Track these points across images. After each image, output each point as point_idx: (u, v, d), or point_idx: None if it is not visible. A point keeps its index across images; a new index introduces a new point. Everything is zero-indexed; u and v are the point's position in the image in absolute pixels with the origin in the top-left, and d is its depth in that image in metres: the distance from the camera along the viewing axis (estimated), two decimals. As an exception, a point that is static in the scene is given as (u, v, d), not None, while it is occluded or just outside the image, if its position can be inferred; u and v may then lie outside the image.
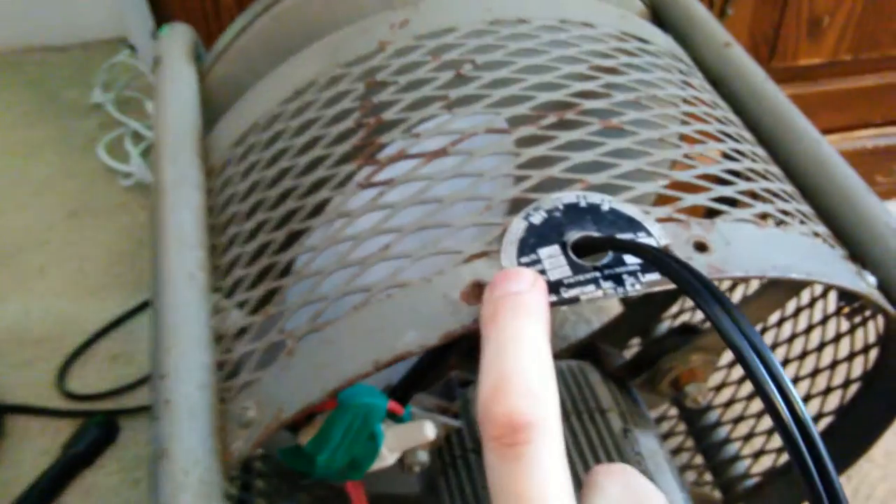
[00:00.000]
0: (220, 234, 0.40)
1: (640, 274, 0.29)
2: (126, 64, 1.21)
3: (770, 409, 0.25)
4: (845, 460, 0.49)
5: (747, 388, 0.60)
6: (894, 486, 0.68)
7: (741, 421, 0.60)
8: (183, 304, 0.36)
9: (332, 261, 0.34)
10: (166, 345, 0.34)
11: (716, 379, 0.63)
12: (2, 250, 0.95)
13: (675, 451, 0.63)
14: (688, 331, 0.42)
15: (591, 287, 0.29)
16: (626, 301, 0.67)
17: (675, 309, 0.66)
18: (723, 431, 0.62)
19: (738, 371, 0.61)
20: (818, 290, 0.52)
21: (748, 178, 0.36)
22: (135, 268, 0.92)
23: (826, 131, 0.84)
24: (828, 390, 0.51)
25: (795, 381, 0.55)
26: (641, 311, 0.63)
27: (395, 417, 0.36)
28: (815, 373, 0.52)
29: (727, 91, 0.47)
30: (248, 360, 0.34)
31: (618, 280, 0.29)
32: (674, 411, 0.65)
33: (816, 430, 0.25)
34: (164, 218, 0.39)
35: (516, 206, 0.32)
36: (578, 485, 0.39)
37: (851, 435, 0.49)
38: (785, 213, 0.35)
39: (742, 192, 0.35)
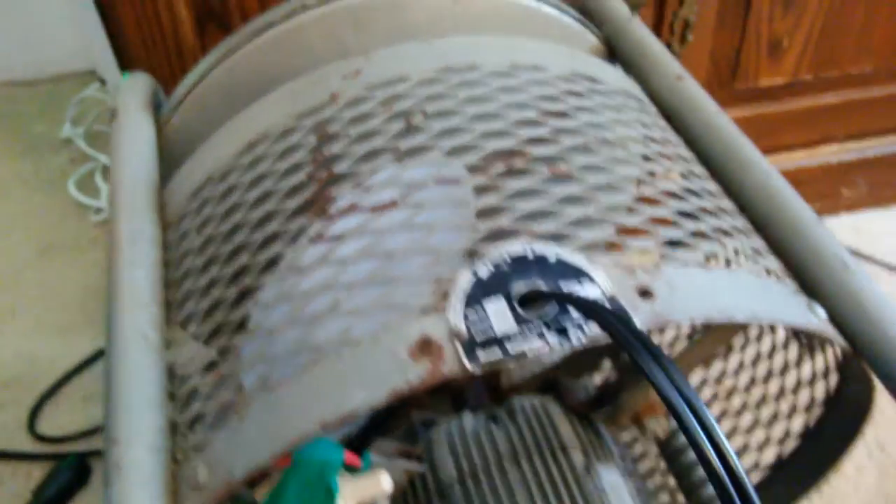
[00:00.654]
0: (177, 290, 0.40)
1: (584, 326, 0.29)
2: (96, 98, 1.20)
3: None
4: (813, 479, 0.50)
5: (716, 409, 0.60)
6: (866, 499, 0.68)
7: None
8: (135, 367, 0.35)
9: (283, 318, 0.34)
10: (118, 408, 0.34)
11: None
12: (-29, 292, 0.94)
13: (649, 474, 0.64)
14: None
15: (537, 340, 0.29)
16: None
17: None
18: (693, 453, 0.62)
19: (707, 391, 0.61)
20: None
21: (697, 218, 0.37)
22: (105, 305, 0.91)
23: (790, 148, 0.85)
24: (791, 412, 0.51)
25: (760, 403, 0.55)
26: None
27: (352, 470, 0.36)
28: (778, 396, 0.53)
29: (680, 124, 0.47)
30: (200, 421, 0.34)
31: (563, 333, 0.29)
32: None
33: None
34: (117, 277, 0.39)
35: (468, 255, 0.32)
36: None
37: (817, 456, 0.49)
38: (735, 251, 0.36)
39: (692, 234, 0.35)
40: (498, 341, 0.29)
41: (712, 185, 0.42)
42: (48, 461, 0.76)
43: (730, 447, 0.25)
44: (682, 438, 0.63)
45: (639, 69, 0.51)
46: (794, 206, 0.41)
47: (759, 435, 0.56)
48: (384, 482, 0.35)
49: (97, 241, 1.00)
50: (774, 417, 0.55)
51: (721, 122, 0.46)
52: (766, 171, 0.43)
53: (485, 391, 0.52)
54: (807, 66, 0.80)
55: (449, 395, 0.53)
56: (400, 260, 0.33)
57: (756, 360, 0.56)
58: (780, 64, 0.79)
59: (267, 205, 0.38)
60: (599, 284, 0.31)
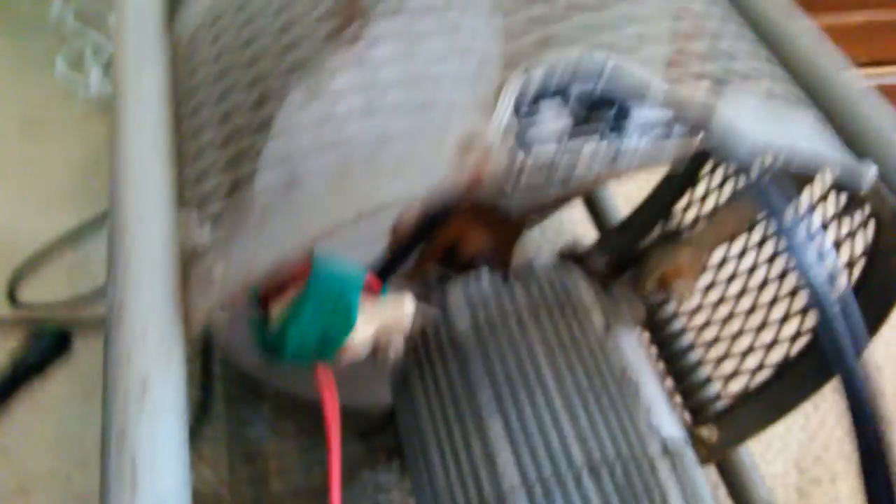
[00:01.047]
0: (188, 101, 0.37)
1: (646, 129, 0.27)
2: (88, -25, 1.15)
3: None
4: (822, 381, 0.50)
5: (723, 311, 0.59)
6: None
7: (714, 344, 0.59)
8: (144, 164, 0.33)
9: (311, 117, 0.31)
10: (126, 201, 0.31)
11: (691, 303, 0.62)
12: (-48, 159, 0.90)
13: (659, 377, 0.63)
14: (671, 235, 0.41)
15: (595, 139, 0.27)
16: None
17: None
18: (694, 356, 0.61)
19: (715, 293, 0.60)
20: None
21: (754, 59, 0.35)
22: (93, 181, 0.88)
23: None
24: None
25: (773, 302, 0.54)
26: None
27: (372, 294, 0.34)
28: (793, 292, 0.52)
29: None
30: (216, 221, 0.31)
31: (622, 133, 0.27)
32: (645, 335, 0.64)
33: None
34: (124, 81, 0.37)
35: (512, 65, 0.30)
36: (560, 383, 0.38)
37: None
38: (793, 94, 0.34)
39: (750, 68, 0.33)
40: (553, 137, 0.27)
41: (763, 48, 0.40)
42: (28, 328, 0.73)
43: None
44: (684, 340, 0.62)
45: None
46: (843, 73, 0.39)
47: (767, 334, 0.55)
48: (407, 304, 0.33)
49: (85, 119, 0.96)
50: (786, 317, 0.53)
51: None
52: (816, 38, 0.41)
53: (498, 260, 0.50)
54: (838, -20, 0.77)
55: (461, 264, 0.52)
56: (442, 61, 0.30)
57: (772, 258, 0.55)
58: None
59: (294, 8, 0.35)
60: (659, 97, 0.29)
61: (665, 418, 0.38)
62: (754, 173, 0.24)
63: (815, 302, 0.23)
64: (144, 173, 0.32)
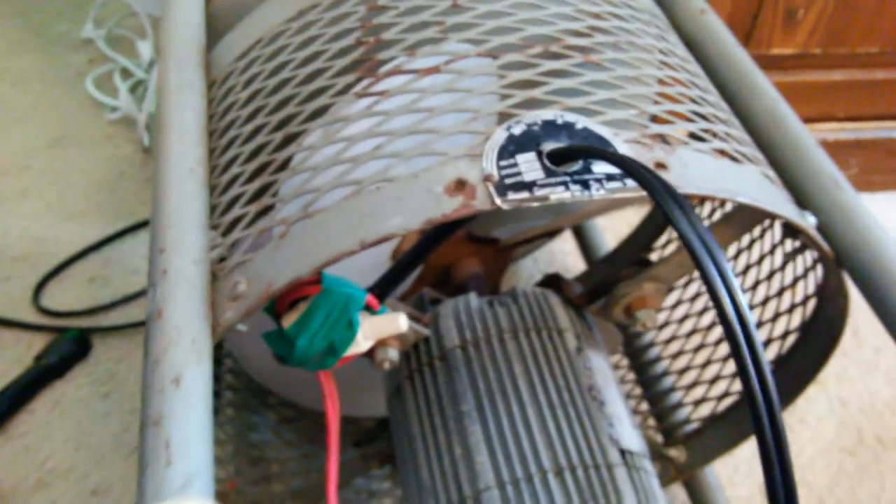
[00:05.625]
0: (220, 138, 0.43)
1: (604, 181, 0.33)
2: (119, 2, 1.21)
3: (714, 299, 0.28)
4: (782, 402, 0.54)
5: (694, 341, 0.64)
6: (823, 448, 0.73)
7: (686, 371, 0.64)
8: (183, 192, 0.38)
9: (326, 158, 0.36)
10: (165, 223, 0.37)
11: (665, 334, 0.67)
12: (-17, 171, 0.96)
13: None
14: (642, 263, 0.46)
15: (561, 188, 0.32)
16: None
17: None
18: (667, 381, 0.66)
19: (688, 325, 0.65)
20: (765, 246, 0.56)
21: (710, 120, 0.40)
22: (116, 197, 0.94)
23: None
24: (768, 342, 0.55)
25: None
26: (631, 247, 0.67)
27: (371, 311, 0.39)
28: (757, 325, 0.56)
29: (699, 53, 0.50)
30: (240, 245, 0.37)
31: (585, 185, 0.32)
32: (625, 362, 0.69)
33: (753, 320, 0.28)
34: (167, 116, 0.42)
35: (500, 121, 0.36)
36: (534, 396, 0.43)
37: (788, 380, 0.53)
38: (741, 154, 0.39)
39: (704, 130, 0.39)
40: (527, 185, 0.32)
41: (724, 105, 0.45)
42: (50, 333, 0.79)
43: (744, 300, 0.28)
44: (659, 367, 0.67)
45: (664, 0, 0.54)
46: (797, 130, 0.45)
47: (732, 363, 0.60)
48: (401, 321, 0.38)
49: (111, 138, 1.02)
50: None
51: (738, 53, 0.49)
52: (775, 98, 0.46)
53: (486, 285, 0.55)
54: (817, 40, 0.83)
55: (453, 288, 0.57)
56: (440, 116, 0.36)
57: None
58: (793, 35, 0.82)
59: (316, 63, 0.40)
60: (620, 153, 0.34)
61: (626, 432, 0.43)
62: (687, 221, 0.29)
63: (731, 346, 0.28)
64: (182, 200, 0.38)
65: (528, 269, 0.86)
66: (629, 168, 0.30)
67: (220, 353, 0.66)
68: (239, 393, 0.64)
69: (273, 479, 0.65)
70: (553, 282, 0.49)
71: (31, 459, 0.70)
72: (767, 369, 0.29)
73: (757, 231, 0.55)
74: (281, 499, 0.62)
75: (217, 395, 0.61)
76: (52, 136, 1.02)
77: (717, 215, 0.61)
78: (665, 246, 0.68)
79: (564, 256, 0.87)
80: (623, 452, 0.41)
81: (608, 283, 0.46)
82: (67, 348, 0.76)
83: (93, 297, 0.83)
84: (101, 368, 0.76)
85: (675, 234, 0.68)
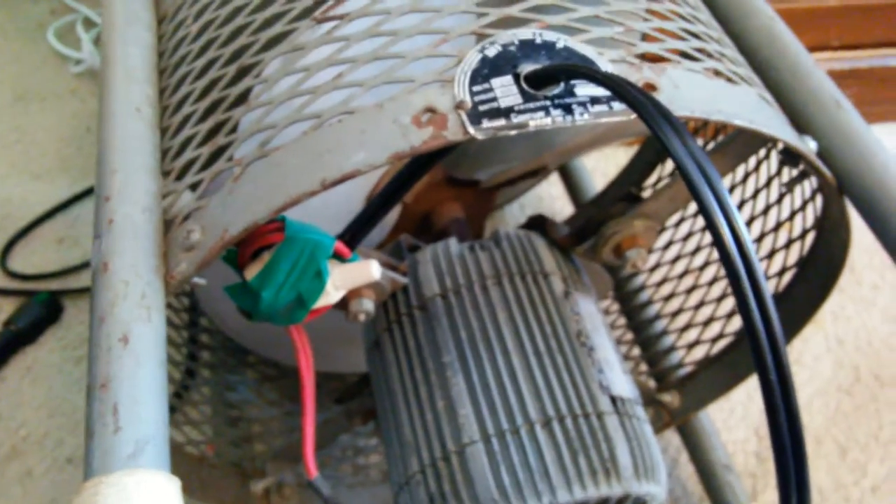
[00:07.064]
0: (171, 76, 0.39)
1: (589, 105, 0.30)
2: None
3: (711, 226, 0.26)
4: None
5: (687, 282, 0.61)
6: (820, 387, 0.71)
7: (679, 314, 0.62)
8: (129, 135, 0.35)
9: (283, 91, 0.33)
10: (111, 168, 0.33)
11: (657, 275, 0.64)
12: (-58, 131, 0.92)
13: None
14: (632, 199, 0.43)
15: (541, 114, 0.29)
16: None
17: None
18: (660, 325, 0.64)
19: (680, 266, 0.62)
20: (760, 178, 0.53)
21: (702, 39, 0.37)
22: (83, 153, 0.90)
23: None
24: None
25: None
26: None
27: (341, 259, 0.36)
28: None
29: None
30: (194, 189, 0.34)
31: (567, 109, 0.29)
32: (615, 307, 0.67)
33: (754, 248, 0.26)
34: (112, 52, 0.38)
35: (477, 37, 0.32)
36: (519, 344, 0.40)
37: (785, 319, 0.51)
38: (736, 74, 0.36)
39: (696, 49, 0.35)
40: (503, 112, 0.29)
41: (715, 23, 0.42)
42: (19, 297, 0.76)
43: (744, 227, 0.25)
44: (651, 310, 0.64)
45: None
46: (795, 49, 0.42)
47: (727, 304, 0.58)
48: (373, 269, 0.35)
49: (76, 91, 0.98)
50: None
51: (731, -30, 0.46)
52: (771, 17, 0.43)
53: (469, 231, 0.52)
54: (812, -37, 0.79)
55: (433, 235, 0.54)
56: (406, 39, 0.33)
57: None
58: (786, -42, 0.79)
59: (271, -11, 0.37)
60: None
61: (616, 378, 0.40)
62: (683, 146, 0.26)
63: (727, 269, 0.25)
64: (129, 143, 0.35)
65: (515, 216, 0.83)
66: (616, 88, 0.27)
67: (194, 312, 0.63)
68: (216, 352, 0.61)
69: (254, 439, 0.62)
70: (538, 224, 0.47)
71: (4, 427, 0.68)
72: (770, 302, 0.26)
73: (752, 162, 0.52)
74: (262, 459, 0.60)
75: (192, 356, 0.58)
76: (14, 93, 0.98)
77: (710, 146, 0.58)
78: (656, 185, 0.65)
79: (553, 201, 0.84)
80: (614, 399, 0.39)
81: (596, 223, 0.44)
82: (38, 312, 0.73)
83: (62, 258, 0.79)
84: (73, 332, 0.74)
85: (665, 172, 0.65)
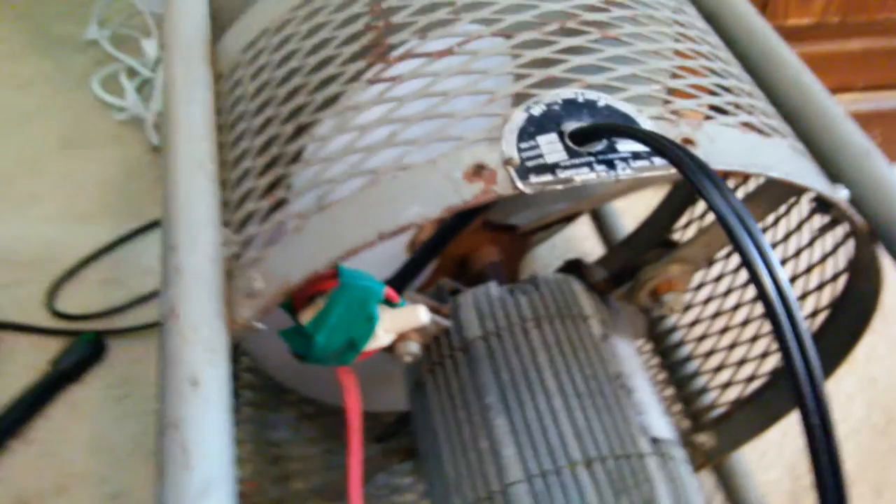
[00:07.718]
0: (230, 132, 0.41)
1: (630, 160, 0.31)
2: (123, 1, 1.20)
3: (752, 274, 0.27)
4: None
5: (719, 323, 0.62)
6: (853, 427, 0.71)
7: (711, 354, 0.62)
8: (193, 188, 0.37)
9: (339, 147, 0.35)
10: (176, 220, 0.35)
11: (690, 316, 0.65)
12: (-7, 177, 0.96)
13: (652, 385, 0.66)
14: (668, 245, 0.45)
15: (585, 169, 0.31)
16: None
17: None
18: (692, 365, 0.64)
19: (712, 307, 0.63)
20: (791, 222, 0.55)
21: (735, 93, 0.38)
22: (126, 197, 0.93)
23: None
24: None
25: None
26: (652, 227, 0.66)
27: (391, 304, 0.38)
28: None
29: (718, 25, 0.49)
30: (254, 241, 0.36)
31: (610, 165, 0.31)
32: (648, 346, 0.67)
33: (794, 294, 0.27)
34: (174, 111, 0.41)
35: (517, 102, 0.34)
36: (560, 386, 0.41)
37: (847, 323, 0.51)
38: (768, 126, 0.37)
39: (729, 104, 0.37)
40: (549, 167, 0.31)
41: (746, 76, 0.44)
42: (65, 337, 0.78)
43: (784, 274, 0.26)
44: (684, 350, 0.65)
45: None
46: (823, 99, 0.43)
47: (760, 345, 0.59)
48: (421, 314, 0.37)
49: (119, 138, 1.01)
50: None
51: (758, 22, 0.48)
52: (799, 68, 0.45)
53: (505, 274, 0.54)
54: (835, 9, 0.81)
55: (470, 277, 0.56)
56: (455, 99, 0.35)
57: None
58: (810, 4, 0.80)
59: (325, 51, 0.39)
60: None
61: (656, 420, 0.41)
62: (721, 197, 0.27)
63: (772, 323, 0.26)
64: (192, 196, 0.37)
65: (546, 256, 0.84)
66: (658, 145, 0.29)
67: (236, 352, 0.65)
68: (257, 391, 0.63)
69: (294, 477, 0.64)
70: (574, 267, 0.48)
71: (50, 464, 0.70)
72: (810, 344, 0.27)
73: (782, 208, 0.54)
74: (303, 497, 0.61)
75: (235, 394, 0.60)
76: (60, 139, 1.02)
77: (740, 194, 0.60)
78: (686, 227, 0.67)
79: (582, 241, 0.85)
80: (653, 441, 0.40)
81: (632, 267, 0.45)
82: (82, 352, 0.76)
83: (106, 299, 0.82)
84: (117, 371, 0.76)
85: (696, 214, 0.66)
